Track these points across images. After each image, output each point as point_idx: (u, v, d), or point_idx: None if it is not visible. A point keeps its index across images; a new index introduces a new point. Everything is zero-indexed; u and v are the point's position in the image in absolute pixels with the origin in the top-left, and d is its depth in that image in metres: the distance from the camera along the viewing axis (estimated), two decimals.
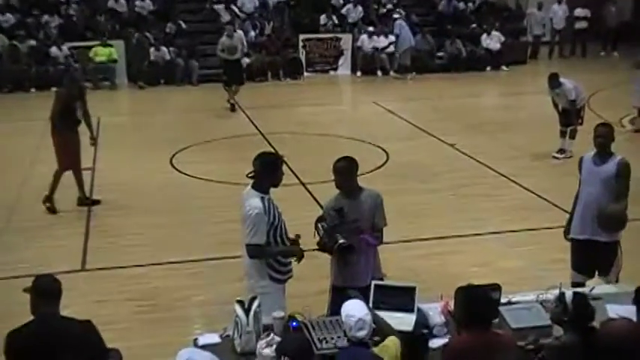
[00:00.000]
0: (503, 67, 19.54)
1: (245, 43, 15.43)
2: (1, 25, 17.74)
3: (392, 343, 3.99)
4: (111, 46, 17.55)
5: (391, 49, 18.73)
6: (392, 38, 18.76)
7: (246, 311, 4.36)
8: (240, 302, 4.42)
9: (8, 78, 16.90)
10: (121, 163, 11.19)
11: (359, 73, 18.96)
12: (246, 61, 16.73)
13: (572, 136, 10.99)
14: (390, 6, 20.11)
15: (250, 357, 4.28)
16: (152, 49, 17.65)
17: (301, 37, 19.07)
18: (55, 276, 4.03)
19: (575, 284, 5.49)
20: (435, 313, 4.66)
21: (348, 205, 5.08)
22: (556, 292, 4.45)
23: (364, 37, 18.96)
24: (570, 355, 3.86)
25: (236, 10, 19.17)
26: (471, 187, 9.96)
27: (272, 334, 4.34)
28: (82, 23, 18.44)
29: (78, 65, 17.41)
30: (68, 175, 9.15)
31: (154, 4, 19.18)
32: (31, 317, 3.84)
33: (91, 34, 18.09)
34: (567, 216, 6.09)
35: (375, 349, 3.90)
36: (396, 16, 19.24)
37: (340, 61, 19.32)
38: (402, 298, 4.68)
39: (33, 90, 16.61)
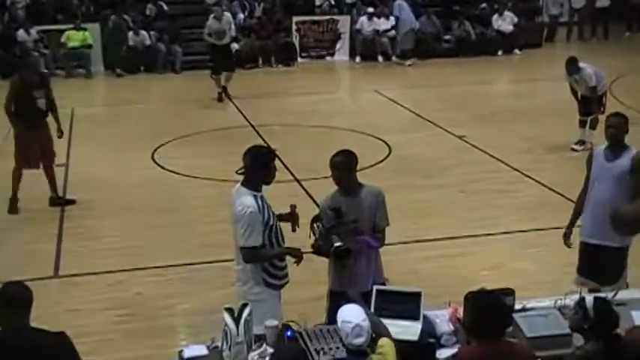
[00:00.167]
0: (517, 51, 19.56)
1: (234, 26, 15.42)
2: None
3: (389, 347, 4.02)
4: (85, 29, 17.51)
5: (393, 32, 18.73)
6: (393, 20, 18.76)
7: (236, 320, 4.36)
8: (230, 310, 4.42)
9: None
10: (97, 158, 11.17)
11: (358, 59, 18.96)
12: (234, 46, 16.71)
13: (593, 127, 10.98)
14: None
15: None
16: (131, 33, 17.62)
17: (294, 19, 19.06)
18: (24, 283, 4.02)
19: (591, 290, 5.49)
20: (443, 320, 4.67)
21: (346, 203, 5.08)
22: (575, 297, 4.45)
23: (363, 19, 18.95)
24: None
25: None
26: (481, 183, 9.97)
27: (264, 345, 4.35)
28: (53, 4, 18.39)
29: (48, 51, 17.39)
30: (39, 172, 9.13)
31: None
32: None
33: (63, 17, 18.06)
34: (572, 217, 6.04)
35: (374, 357, 3.91)
36: None
37: (337, 46, 19.33)
38: (406, 304, 4.69)
39: None
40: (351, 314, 3.92)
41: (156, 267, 7.62)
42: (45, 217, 9.02)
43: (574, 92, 11.31)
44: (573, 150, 11.06)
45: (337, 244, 4.88)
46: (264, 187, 5.03)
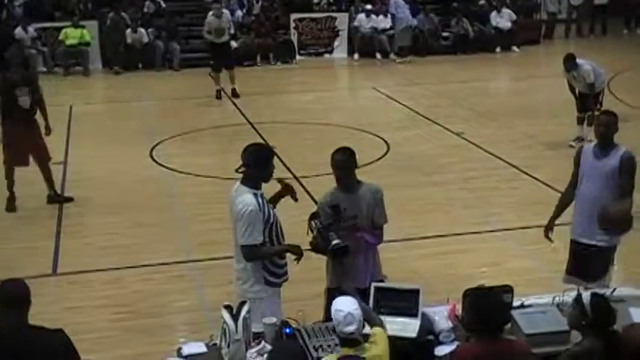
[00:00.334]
0: (515, 48, 19.55)
1: (232, 24, 15.41)
2: None
3: (380, 336, 4.06)
4: (83, 27, 17.49)
5: (392, 31, 18.70)
6: (390, 18, 18.75)
7: (235, 317, 4.36)
8: (228, 307, 4.42)
9: None
10: (95, 156, 11.17)
11: (356, 56, 18.95)
12: (233, 44, 16.70)
13: (591, 123, 10.94)
14: None
15: None
16: (129, 31, 17.60)
17: (293, 16, 19.04)
18: (23, 281, 4.01)
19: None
20: (441, 317, 4.67)
21: (345, 200, 5.09)
22: (573, 294, 4.46)
23: (362, 16, 18.94)
24: None
25: None
26: (480, 180, 9.97)
27: (263, 342, 4.35)
28: (51, 2, 18.38)
29: (46, 49, 17.38)
30: (36, 170, 9.12)
31: None
32: None
33: (61, 14, 18.04)
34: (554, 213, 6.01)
35: (366, 345, 3.95)
36: None
37: (336, 43, 19.31)
38: (404, 301, 4.69)
39: None
40: (344, 303, 3.96)
41: (154, 264, 7.61)
42: (43, 215, 9.01)
43: (572, 89, 11.31)
44: (571, 147, 11.03)
45: (335, 241, 4.87)
46: (262, 185, 5.03)
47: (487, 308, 3.97)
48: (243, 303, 4.49)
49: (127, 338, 6.24)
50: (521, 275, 6.76)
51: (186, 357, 4.42)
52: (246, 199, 4.85)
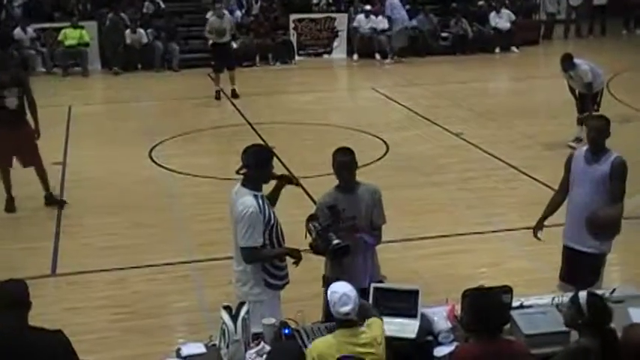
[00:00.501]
0: (514, 49, 19.57)
1: (233, 24, 15.42)
2: None
3: (377, 324, 4.13)
4: (82, 27, 17.49)
5: (390, 32, 18.71)
6: (386, 20, 18.73)
7: (234, 318, 4.36)
8: (227, 308, 4.42)
9: None
10: (94, 156, 11.16)
11: (355, 57, 18.95)
12: (232, 44, 16.69)
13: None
14: None
15: None
16: (128, 31, 17.60)
17: (292, 17, 19.05)
18: (23, 282, 4.01)
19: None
20: (441, 318, 4.67)
21: (344, 201, 5.09)
22: (571, 294, 4.46)
23: (361, 16, 18.94)
24: None
25: None
26: (479, 181, 9.98)
27: (262, 343, 4.35)
28: (50, 2, 18.37)
29: (45, 49, 17.38)
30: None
31: None
32: None
33: (60, 15, 18.03)
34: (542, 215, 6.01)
35: (362, 328, 4.03)
36: None
37: (335, 44, 19.32)
38: (403, 302, 4.69)
39: None
40: (339, 285, 4.05)
41: (154, 265, 7.61)
42: (42, 216, 9.01)
43: (572, 90, 11.30)
44: (570, 147, 11.03)
45: (336, 241, 4.87)
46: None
47: (486, 308, 3.98)
48: (242, 304, 4.49)
49: (126, 339, 6.24)
50: (521, 276, 6.76)
51: (185, 357, 4.42)
52: (247, 201, 4.84)
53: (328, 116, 13.43)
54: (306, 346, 4.34)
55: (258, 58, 18.29)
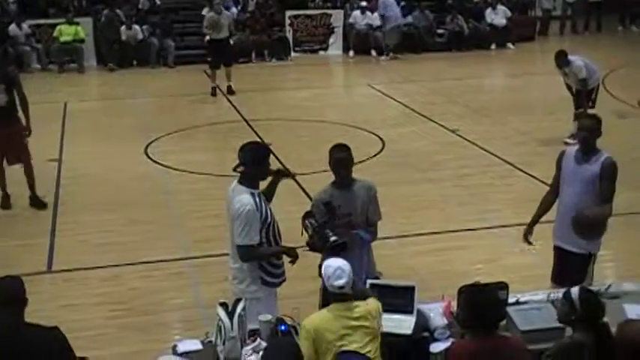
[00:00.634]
0: (510, 45, 19.58)
1: (231, 20, 15.40)
2: None
3: (375, 303, 4.19)
4: (77, 24, 17.46)
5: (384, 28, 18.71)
6: (379, 18, 18.72)
7: (230, 315, 4.37)
8: (224, 305, 4.42)
9: None
10: (90, 153, 11.15)
11: (351, 53, 18.95)
12: (230, 41, 16.64)
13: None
14: None
15: None
16: (123, 28, 17.57)
17: (288, 13, 19.04)
18: (19, 278, 4.01)
19: None
20: (437, 314, 4.67)
21: (340, 197, 5.09)
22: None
23: (357, 13, 18.94)
24: (581, 355, 3.88)
25: None
26: (475, 177, 9.99)
27: (258, 340, 4.35)
28: None
29: (40, 46, 17.34)
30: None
31: None
32: None
33: (55, 11, 17.99)
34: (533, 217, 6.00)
35: (357, 302, 4.09)
36: None
37: (331, 40, 19.31)
38: (399, 298, 4.69)
39: None
40: (334, 260, 4.12)
41: (150, 262, 7.60)
42: (38, 213, 8.99)
43: (569, 86, 11.31)
44: (566, 144, 11.02)
45: (333, 238, 4.87)
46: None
47: (482, 305, 3.99)
48: (238, 300, 4.50)
49: (122, 336, 6.24)
50: (517, 272, 6.77)
51: (181, 354, 4.41)
52: (244, 198, 4.84)
53: (324, 113, 13.43)
54: None
55: (254, 55, 18.28)
